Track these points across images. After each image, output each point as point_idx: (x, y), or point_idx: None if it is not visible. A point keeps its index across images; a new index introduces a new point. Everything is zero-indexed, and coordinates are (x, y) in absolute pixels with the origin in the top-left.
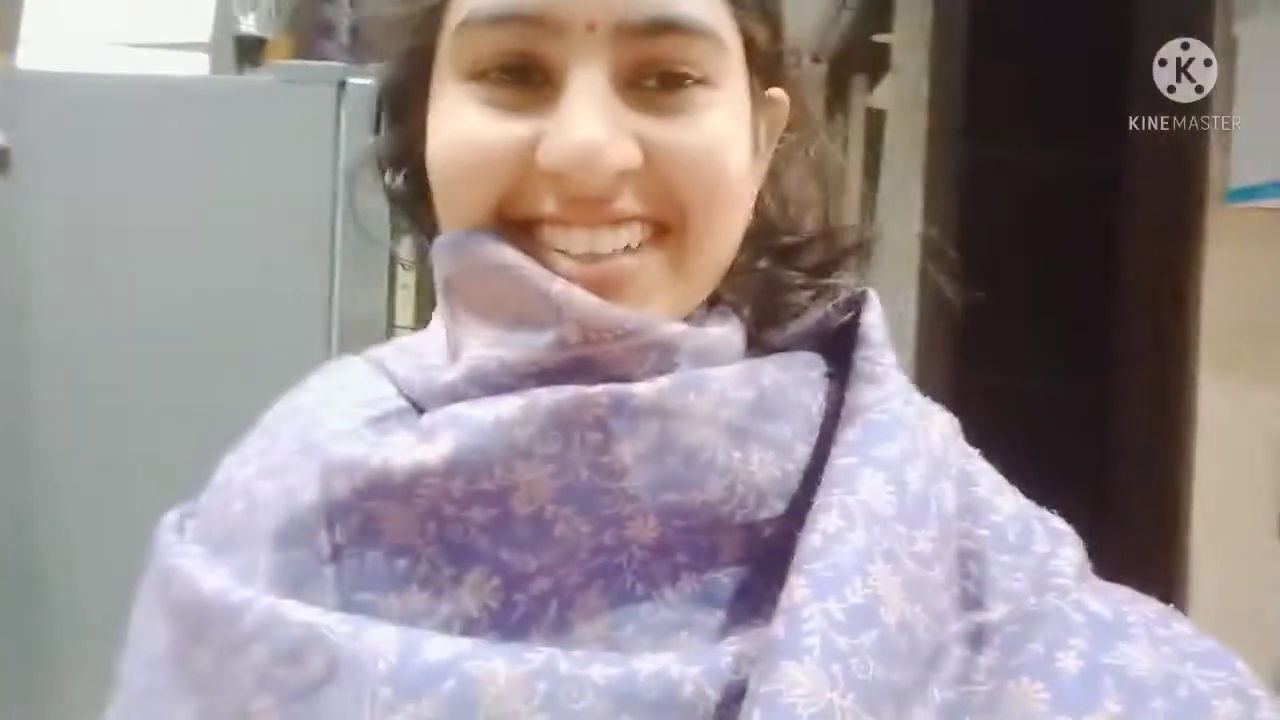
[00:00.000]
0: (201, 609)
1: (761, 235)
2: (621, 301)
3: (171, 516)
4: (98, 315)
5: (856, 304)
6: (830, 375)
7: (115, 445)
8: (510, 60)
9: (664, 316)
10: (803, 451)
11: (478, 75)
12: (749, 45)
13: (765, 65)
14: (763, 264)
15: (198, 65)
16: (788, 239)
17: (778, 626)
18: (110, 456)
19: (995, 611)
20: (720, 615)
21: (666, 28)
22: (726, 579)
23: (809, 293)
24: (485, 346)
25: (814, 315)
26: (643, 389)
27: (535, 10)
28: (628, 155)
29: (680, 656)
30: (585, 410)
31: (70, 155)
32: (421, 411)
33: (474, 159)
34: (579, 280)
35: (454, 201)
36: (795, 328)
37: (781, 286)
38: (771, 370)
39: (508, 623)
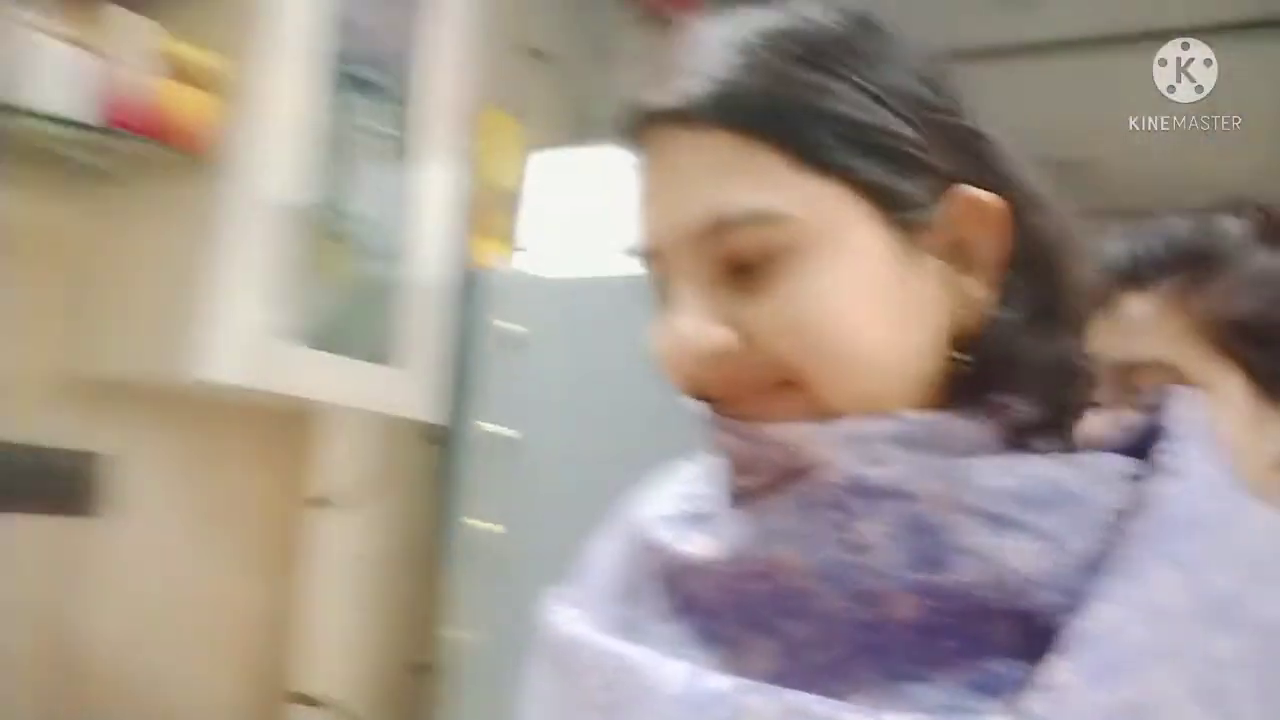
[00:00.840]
0: (561, 649)
1: (997, 341)
2: None
3: (557, 590)
4: (590, 459)
5: (1162, 402)
6: (1138, 476)
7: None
8: (658, 285)
9: None
10: (1080, 545)
11: (657, 295)
12: (863, 188)
13: (917, 191)
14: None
15: None
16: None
17: (1040, 705)
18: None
19: None
20: (994, 705)
21: (717, 228)
22: (1001, 668)
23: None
24: (733, 476)
25: (1119, 416)
26: (877, 471)
27: (645, 244)
28: (711, 341)
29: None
30: (825, 490)
31: (567, 338)
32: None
33: (662, 367)
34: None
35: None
36: (1104, 429)
37: (1038, 386)
38: (1045, 463)
39: (789, 685)
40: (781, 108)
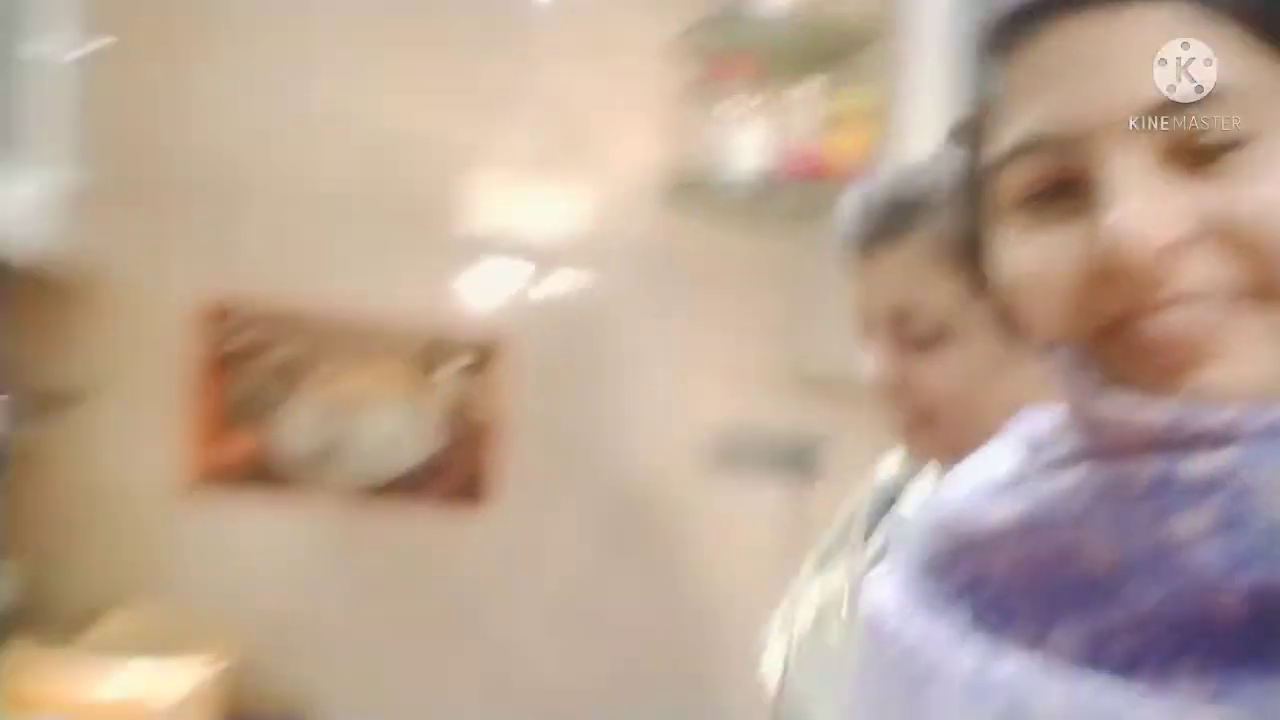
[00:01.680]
0: (871, 621)
1: None
2: (1211, 366)
3: (885, 565)
4: None
5: None
6: None
7: None
8: (1047, 184)
9: (1256, 386)
10: None
11: (1021, 205)
12: None
13: None
14: None
15: None
16: None
17: None
18: None
19: None
20: None
21: (1177, 103)
22: None
23: None
24: (1071, 434)
25: None
26: (1193, 465)
27: (1053, 131)
28: (1171, 227)
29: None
30: (1133, 483)
31: None
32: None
33: (1037, 291)
34: (1166, 348)
35: (1036, 327)
36: None
37: None
38: None
39: (1100, 671)
40: None
